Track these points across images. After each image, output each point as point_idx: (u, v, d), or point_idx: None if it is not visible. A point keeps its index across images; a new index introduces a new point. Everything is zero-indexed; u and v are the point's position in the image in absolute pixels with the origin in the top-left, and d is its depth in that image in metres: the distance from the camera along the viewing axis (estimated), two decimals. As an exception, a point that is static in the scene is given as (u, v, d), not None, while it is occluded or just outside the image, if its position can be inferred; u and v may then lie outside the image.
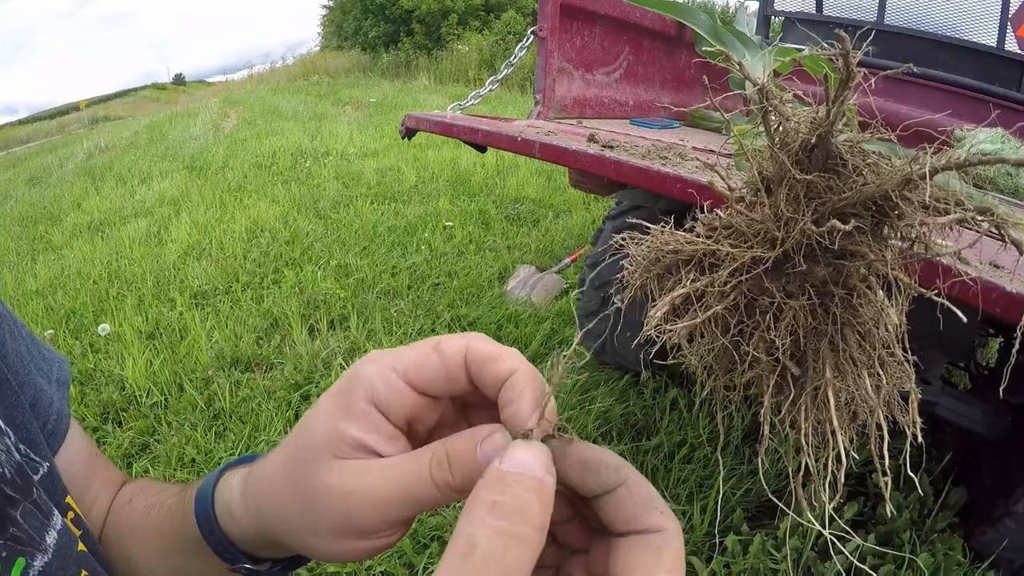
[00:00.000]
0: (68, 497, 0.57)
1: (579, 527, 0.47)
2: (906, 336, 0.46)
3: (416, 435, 0.47)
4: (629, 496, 0.40)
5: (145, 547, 0.61)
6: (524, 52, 2.42)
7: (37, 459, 0.55)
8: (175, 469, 2.46)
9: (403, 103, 11.97)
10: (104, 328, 3.49)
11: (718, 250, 0.44)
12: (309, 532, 0.45)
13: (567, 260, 4.19)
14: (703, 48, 2.44)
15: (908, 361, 0.46)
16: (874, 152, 0.44)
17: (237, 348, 3.29)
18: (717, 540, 2.04)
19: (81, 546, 0.53)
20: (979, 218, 0.41)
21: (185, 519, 0.55)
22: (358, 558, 0.46)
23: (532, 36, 2.33)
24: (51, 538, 0.49)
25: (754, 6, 3.72)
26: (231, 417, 2.76)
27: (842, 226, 0.39)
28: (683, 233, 0.46)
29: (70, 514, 0.56)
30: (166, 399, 2.90)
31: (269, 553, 0.54)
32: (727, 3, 12.42)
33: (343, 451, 0.43)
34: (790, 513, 0.48)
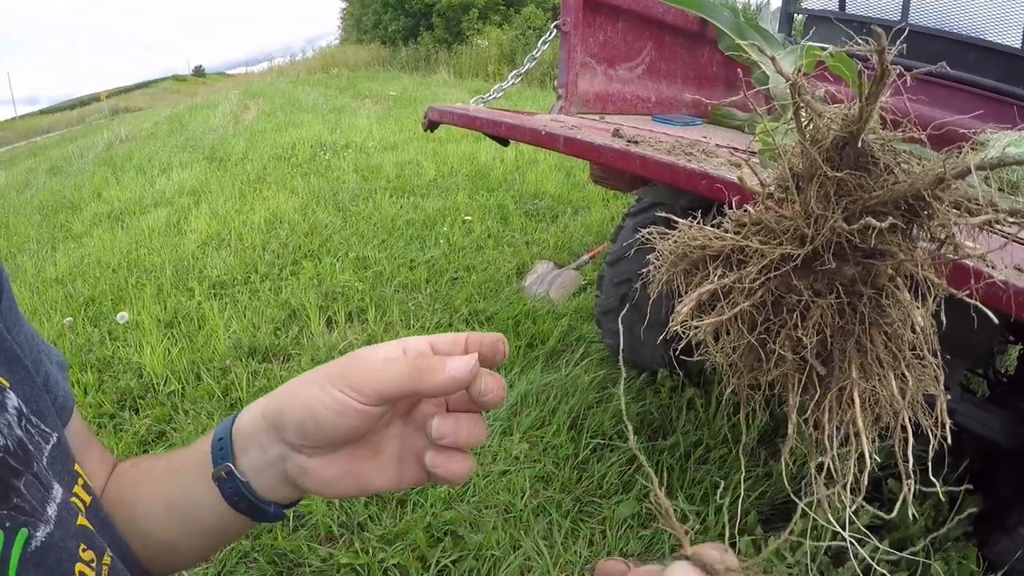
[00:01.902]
0: (76, 465, 0.60)
1: None
2: (934, 338, 0.45)
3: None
4: None
5: (156, 492, 0.66)
6: (547, 46, 2.41)
7: (48, 430, 0.57)
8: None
9: (423, 97, 11.98)
10: (123, 316, 3.51)
11: (747, 246, 0.44)
12: (311, 377, 0.58)
13: (585, 257, 4.17)
14: (731, 43, 2.43)
15: (937, 364, 0.45)
16: (905, 151, 0.44)
17: (255, 338, 3.31)
18: (737, 541, 2.03)
19: (81, 520, 0.54)
20: (1010, 220, 0.41)
21: (199, 446, 0.65)
22: (336, 423, 0.56)
23: (555, 30, 2.32)
24: (52, 510, 0.51)
25: (777, 2, 3.70)
26: (248, 407, 2.77)
27: (878, 223, 0.38)
28: (712, 229, 0.46)
29: (80, 481, 0.58)
30: (183, 388, 2.92)
31: (254, 454, 0.62)
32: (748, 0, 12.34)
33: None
34: (811, 514, 0.48)
